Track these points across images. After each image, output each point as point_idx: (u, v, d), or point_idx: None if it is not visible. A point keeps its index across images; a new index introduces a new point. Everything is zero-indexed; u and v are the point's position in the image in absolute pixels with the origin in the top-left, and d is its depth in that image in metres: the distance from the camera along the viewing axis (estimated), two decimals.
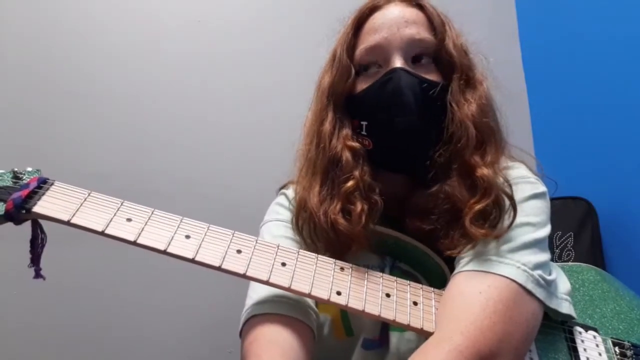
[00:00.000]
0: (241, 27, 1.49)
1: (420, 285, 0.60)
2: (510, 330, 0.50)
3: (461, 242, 0.60)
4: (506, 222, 0.58)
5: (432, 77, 0.65)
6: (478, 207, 0.58)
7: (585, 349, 0.60)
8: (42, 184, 0.56)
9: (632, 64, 1.18)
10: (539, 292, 0.55)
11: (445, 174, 0.62)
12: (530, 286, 0.54)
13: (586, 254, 1.24)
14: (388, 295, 0.57)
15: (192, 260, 0.54)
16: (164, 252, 0.54)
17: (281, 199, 0.76)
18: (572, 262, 1.25)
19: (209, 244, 0.56)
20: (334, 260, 0.59)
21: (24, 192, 0.54)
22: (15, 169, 0.59)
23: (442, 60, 0.65)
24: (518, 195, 0.61)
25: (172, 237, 0.55)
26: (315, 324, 0.62)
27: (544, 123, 1.52)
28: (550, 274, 0.59)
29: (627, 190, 1.18)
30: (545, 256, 0.59)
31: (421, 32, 0.65)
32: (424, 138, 0.63)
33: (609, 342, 0.62)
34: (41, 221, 0.57)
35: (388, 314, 0.55)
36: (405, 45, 0.64)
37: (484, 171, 0.59)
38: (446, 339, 0.49)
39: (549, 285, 0.57)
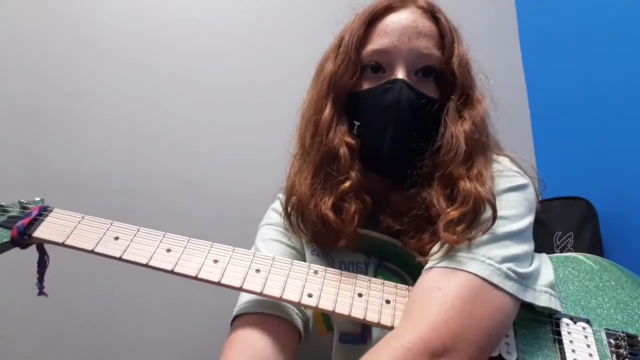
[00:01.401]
0: (242, 27, 1.50)
1: (395, 284, 0.61)
2: (470, 324, 0.50)
3: (428, 243, 0.60)
4: (483, 226, 0.57)
5: (432, 93, 0.65)
6: (453, 213, 0.57)
7: (571, 341, 0.58)
8: (43, 212, 0.64)
9: (632, 64, 1.16)
10: (508, 286, 0.54)
11: (427, 180, 0.63)
12: (495, 279, 0.53)
13: (586, 254, 1.20)
14: (360, 295, 0.59)
15: (172, 272, 0.59)
16: (146, 266, 0.59)
17: (275, 204, 0.79)
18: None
19: (188, 255, 0.60)
20: (308, 264, 0.62)
21: (26, 220, 0.62)
22: (22, 200, 0.66)
23: (445, 77, 0.65)
24: (493, 190, 0.61)
25: (154, 251, 0.60)
26: (299, 320, 0.64)
27: (544, 123, 1.51)
28: (527, 267, 0.58)
29: (627, 190, 1.15)
30: (520, 248, 0.58)
31: (430, 47, 0.65)
32: (411, 151, 0.63)
33: (602, 333, 0.60)
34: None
35: (358, 313, 0.57)
36: (413, 57, 0.64)
37: (466, 184, 0.59)
38: (396, 335, 0.50)
39: (523, 278, 0.56)
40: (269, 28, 1.54)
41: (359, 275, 0.61)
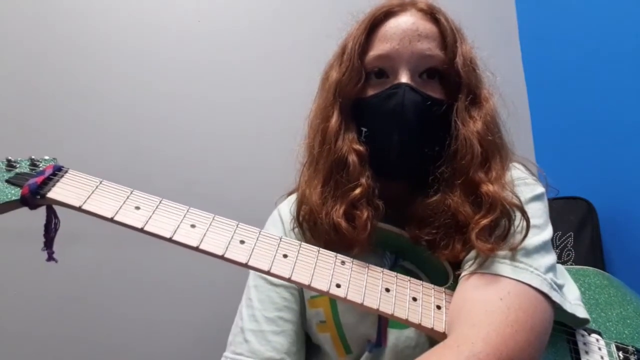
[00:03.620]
0: (242, 27, 1.49)
1: (421, 282, 0.60)
2: (530, 338, 0.50)
3: (462, 252, 0.60)
4: (518, 235, 0.57)
5: (438, 94, 0.65)
6: (484, 222, 0.57)
7: (587, 352, 0.59)
8: (57, 172, 0.59)
9: (632, 64, 1.18)
10: (555, 296, 0.55)
11: (448, 187, 0.62)
12: (546, 290, 0.54)
13: (586, 254, 1.23)
14: (388, 290, 0.58)
15: (197, 249, 0.56)
16: (170, 240, 0.56)
17: (274, 215, 0.79)
18: (572, 262, 1.25)
19: (214, 233, 0.57)
20: (335, 254, 0.60)
21: (40, 179, 0.57)
22: (33, 157, 0.61)
23: (450, 77, 0.65)
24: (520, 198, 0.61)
25: (179, 225, 0.57)
26: None
27: (544, 123, 1.52)
28: (558, 277, 0.59)
29: (627, 190, 1.17)
30: (552, 258, 0.59)
31: (432, 48, 0.64)
32: (421, 155, 0.63)
33: (613, 346, 0.61)
34: (55, 207, 0.60)
35: (386, 308, 0.56)
36: (415, 60, 0.64)
37: (489, 187, 0.58)
38: (467, 344, 0.48)
39: (561, 289, 0.57)
40: (271, 28, 1.51)
41: (385, 269, 0.60)
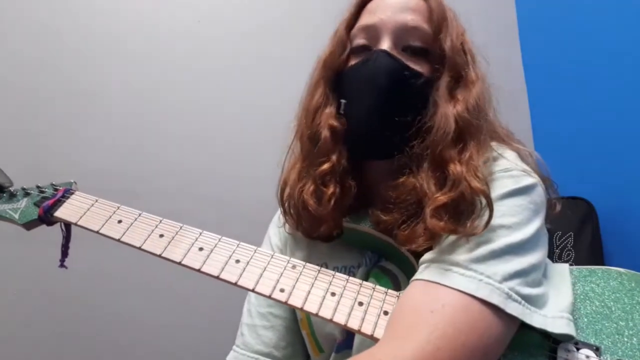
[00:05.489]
0: (241, 27, 1.50)
1: (373, 286, 0.58)
2: (458, 355, 0.45)
3: (420, 235, 0.56)
4: (477, 221, 0.52)
5: (419, 68, 0.63)
6: (442, 199, 0.54)
7: None
8: (66, 194, 0.72)
9: (632, 64, 1.16)
10: (513, 308, 0.48)
11: (418, 165, 0.59)
12: (496, 301, 0.47)
13: (586, 254, 1.22)
14: (333, 294, 0.57)
15: (160, 256, 0.63)
16: (139, 249, 0.64)
17: (274, 219, 0.81)
18: (572, 262, 1.17)
19: (178, 242, 0.64)
20: (288, 258, 0.61)
21: (52, 201, 0.70)
22: (54, 183, 0.75)
23: (434, 53, 0.63)
24: (495, 192, 0.55)
25: (149, 235, 0.64)
26: None
27: (544, 123, 1.52)
28: (537, 281, 0.52)
29: (627, 190, 1.16)
30: (525, 261, 0.51)
31: (417, 20, 0.63)
32: (395, 125, 0.60)
33: None
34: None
35: (326, 313, 0.55)
36: (398, 30, 0.63)
37: (456, 167, 0.55)
38: (381, 357, 0.47)
39: (528, 300, 0.49)
40: (270, 27, 1.52)
41: (337, 274, 0.59)
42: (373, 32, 0.64)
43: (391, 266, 0.66)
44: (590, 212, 1.27)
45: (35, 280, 1.21)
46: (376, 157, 0.65)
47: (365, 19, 0.65)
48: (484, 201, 0.53)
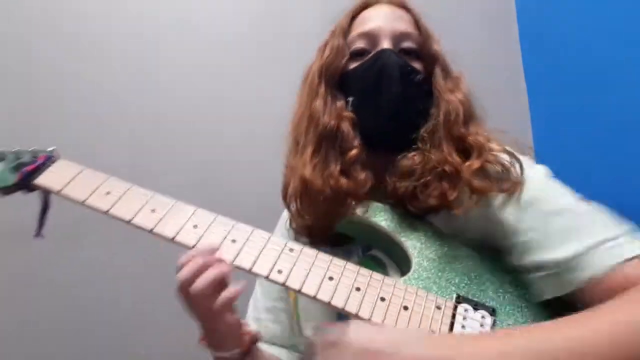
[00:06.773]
0: (240, 27, 1.48)
1: (370, 272, 0.59)
2: None
3: (455, 193, 0.61)
4: (514, 175, 0.61)
5: (416, 65, 0.69)
6: (475, 164, 0.60)
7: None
8: (47, 160, 0.67)
9: (633, 63, 1.17)
10: None
11: (433, 144, 0.64)
12: None
13: None
14: (331, 278, 0.57)
15: (151, 232, 0.60)
16: (129, 223, 0.61)
17: (282, 216, 0.81)
18: None
19: (170, 219, 0.62)
20: (285, 241, 0.61)
21: (31, 167, 0.66)
22: (34, 148, 0.71)
23: (424, 55, 0.70)
24: (537, 175, 0.64)
25: (140, 209, 0.62)
26: None
27: (544, 123, 1.52)
28: None
29: (627, 190, 1.16)
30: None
31: (408, 27, 0.71)
32: (408, 115, 0.66)
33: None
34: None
35: (324, 296, 0.55)
36: (394, 35, 0.69)
37: (476, 138, 0.63)
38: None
39: None
40: (269, 27, 1.50)
41: (334, 258, 0.60)
42: (372, 37, 0.69)
43: (381, 254, 0.68)
44: None
45: (35, 280, 1.20)
46: (392, 147, 0.67)
47: (362, 27, 0.71)
48: (508, 159, 0.62)
